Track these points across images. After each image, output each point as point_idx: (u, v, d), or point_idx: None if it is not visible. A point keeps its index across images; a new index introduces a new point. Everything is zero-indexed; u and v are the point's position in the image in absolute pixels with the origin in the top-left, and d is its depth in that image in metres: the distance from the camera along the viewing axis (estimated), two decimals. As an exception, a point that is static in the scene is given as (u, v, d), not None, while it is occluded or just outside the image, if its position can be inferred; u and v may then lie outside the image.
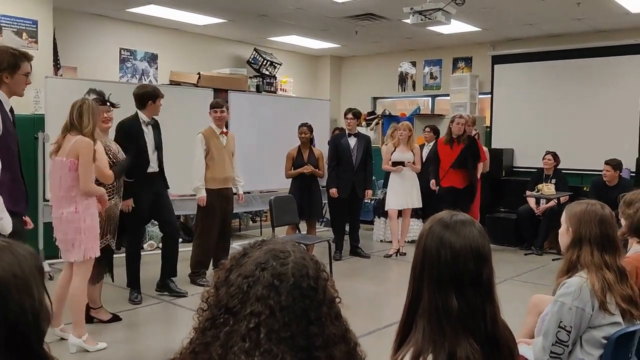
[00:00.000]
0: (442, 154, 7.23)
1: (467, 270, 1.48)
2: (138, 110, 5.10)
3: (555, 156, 7.80)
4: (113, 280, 4.78)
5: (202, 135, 5.69)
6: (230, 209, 5.99)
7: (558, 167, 7.86)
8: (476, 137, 7.51)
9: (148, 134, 5.10)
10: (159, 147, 5.19)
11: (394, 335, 1.61)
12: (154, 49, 8.72)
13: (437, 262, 1.51)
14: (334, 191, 6.98)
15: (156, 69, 8.74)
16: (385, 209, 7.57)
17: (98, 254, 4.01)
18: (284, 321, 1.04)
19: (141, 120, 5.07)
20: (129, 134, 4.98)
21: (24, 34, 6.58)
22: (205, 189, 5.69)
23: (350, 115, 7.12)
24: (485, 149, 7.76)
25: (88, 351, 3.97)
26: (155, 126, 5.20)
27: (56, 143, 3.94)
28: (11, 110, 3.40)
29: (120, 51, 8.36)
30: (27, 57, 3.42)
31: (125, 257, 5.15)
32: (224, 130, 5.88)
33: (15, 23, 6.52)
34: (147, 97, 5.06)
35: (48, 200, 4.81)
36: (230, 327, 1.04)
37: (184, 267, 5.69)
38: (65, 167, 3.83)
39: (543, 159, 7.87)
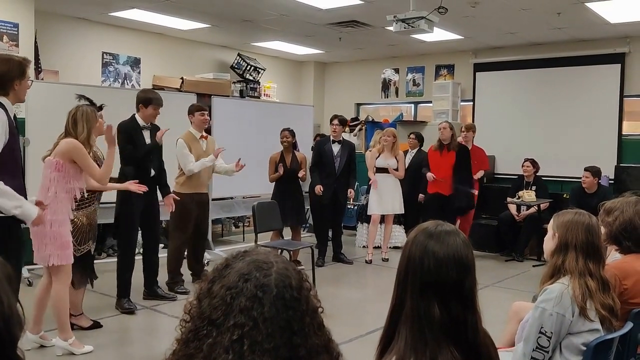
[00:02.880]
0: (432, 160, 7.34)
1: (450, 280, 1.50)
2: (135, 113, 5.14)
3: (534, 163, 7.89)
4: (92, 287, 4.71)
5: (183, 140, 5.67)
6: (205, 215, 5.98)
7: (538, 173, 7.95)
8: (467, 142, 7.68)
9: (146, 138, 5.13)
10: (158, 154, 5.22)
11: (377, 342, 1.62)
12: (136, 53, 8.67)
13: (420, 271, 1.52)
14: (318, 188, 6.91)
15: (139, 73, 8.69)
16: (368, 214, 7.60)
17: (68, 261, 3.95)
18: (268, 332, 1.04)
19: (138, 123, 5.10)
20: (129, 135, 5.00)
21: (5, 37, 6.51)
22: (181, 193, 5.66)
23: (336, 122, 7.14)
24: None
25: (74, 354, 3.97)
26: (153, 131, 5.21)
27: (52, 147, 4.05)
28: (15, 116, 3.47)
29: (102, 55, 8.30)
30: (29, 62, 3.53)
31: (117, 264, 5.10)
32: (204, 134, 5.87)
33: (-4, 26, 6.46)
34: (139, 100, 5.12)
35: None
36: (214, 339, 1.04)
37: (163, 272, 5.67)
38: (51, 165, 3.89)
39: (522, 165, 7.95)
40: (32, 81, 3.54)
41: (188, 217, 5.70)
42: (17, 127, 3.50)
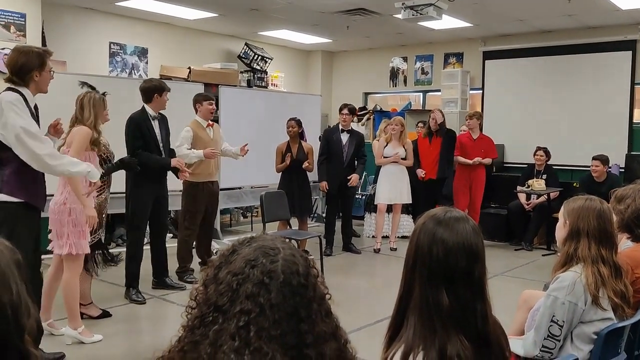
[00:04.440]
0: (421, 147, 7.36)
1: (459, 267, 1.47)
2: (144, 105, 5.11)
3: (546, 152, 7.84)
4: (97, 275, 4.70)
5: (191, 128, 5.67)
6: (214, 205, 5.98)
7: (549, 162, 7.90)
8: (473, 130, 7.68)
9: (155, 128, 5.11)
10: (166, 142, 5.21)
11: (385, 331, 1.60)
12: (144, 43, 8.65)
13: (429, 258, 1.50)
14: (323, 184, 6.97)
15: (146, 63, 8.68)
16: (375, 203, 7.59)
17: (84, 251, 3.97)
18: (274, 319, 1.02)
19: (148, 115, 5.07)
20: (140, 128, 4.98)
21: (12, 28, 6.51)
22: (190, 182, 5.66)
23: (345, 111, 7.10)
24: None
25: (84, 343, 4.01)
26: (162, 121, 5.20)
27: (66, 135, 4.05)
28: (35, 107, 3.46)
29: (110, 45, 8.28)
30: (49, 53, 3.53)
31: (126, 254, 5.11)
32: (210, 122, 5.86)
33: (3, 16, 6.45)
34: (152, 90, 5.07)
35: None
36: (220, 325, 1.03)
37: (173, 261, 5.67)
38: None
39: (535, 154, 7.88)
40: (54, 72, 3.52)
41: (197, 207, 5.71)
42: (37, 118, 3.48)
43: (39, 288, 3.65)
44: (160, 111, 5.18)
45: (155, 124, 5.12)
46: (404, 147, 7.29)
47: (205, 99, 5.80)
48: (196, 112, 5.81)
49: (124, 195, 5.20)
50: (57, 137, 3.95)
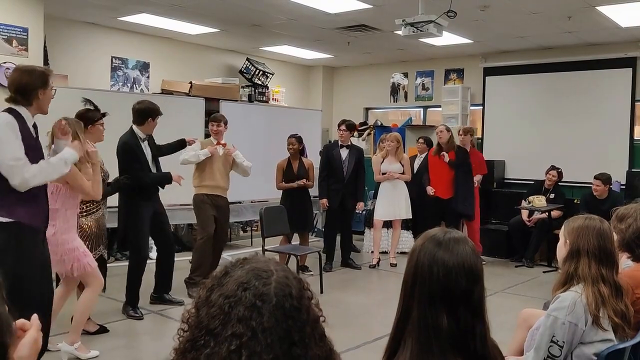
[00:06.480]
0: (431, 164, 7.33)
1: (459, 289, 1.46)
2: (134, 126, 5.05)
3: (560, 173, 7.80)
4: (104, 291, 4.70)
5: (200, 142, 5.82)
6: (224, 219, 5.98)
7: (560, 182, 7.88)
8: (470, 147, 7.63)
9: (145, 149, 5.09)
10: (156, 161, 5.21)
11: (383, 350, 1.58)
12: (145, 57, 8.68)
13: (428, 279, 1.49)
14: (324, 202, 6.97)
15: (148, 77, 8.70)
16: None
17: (92, 267, 3.96)
18: (266, 343, 1.01)
19: (138, 137, 5.03)
20: (132, 151, 4.96)
21: (14, 42, 6.53)
22: (197, 194, 5.77)
23: (343, 127, 7.11)
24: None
25: (80, 359, 4.00)
26: (150, 140, 5.19)
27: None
28: (34, 126, 3.42)
29: (111, 59, 8.31)
30: (51, 72, 3.51)
31: (128, 271, 5.09)
32: (221, 142, 5.86)
33: (6, 30, 6.47)
34: (148, 113, 5.03)
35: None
36: (211, 349, 1.01)
37: (178, 275, 5.61)
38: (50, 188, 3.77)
39: (547, 173, 7.84)
40: (56, 90, 3.49)
41: (207, 215, 5.73)
42: (37, 136, 3.42)
43: (51, 304, 3.59)
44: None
45: (145, 145, 5.11)
46: (400, 162, 7.29)
47: (210, 120, 5.94)
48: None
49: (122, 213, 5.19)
50: (66, 139, 3.76)
